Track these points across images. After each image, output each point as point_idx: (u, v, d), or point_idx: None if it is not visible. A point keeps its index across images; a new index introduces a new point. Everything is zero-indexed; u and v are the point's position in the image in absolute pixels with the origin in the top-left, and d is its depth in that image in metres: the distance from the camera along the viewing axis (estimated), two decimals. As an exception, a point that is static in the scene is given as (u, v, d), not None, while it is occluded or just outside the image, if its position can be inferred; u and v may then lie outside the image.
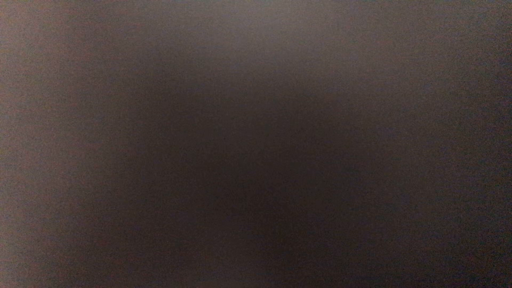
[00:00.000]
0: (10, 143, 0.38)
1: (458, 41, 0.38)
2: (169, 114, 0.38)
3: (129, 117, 0.38)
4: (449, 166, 0.38)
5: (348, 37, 0.38)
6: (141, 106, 0.38)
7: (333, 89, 0.38)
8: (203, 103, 0.38)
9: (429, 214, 0.38)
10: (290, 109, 0.37)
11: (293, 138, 0.38)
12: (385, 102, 0.38)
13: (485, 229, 0.38)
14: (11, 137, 0.38)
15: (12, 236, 0.38)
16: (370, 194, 0.38)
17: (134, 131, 0.38)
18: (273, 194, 0.38)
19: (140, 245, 0.38)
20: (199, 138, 0.38)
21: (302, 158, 0.38)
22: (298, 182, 0.38)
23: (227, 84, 0.38)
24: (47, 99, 0.38)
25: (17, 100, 0.38)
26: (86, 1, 0.38)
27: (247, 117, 0.38)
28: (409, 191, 0.38)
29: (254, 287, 0.38)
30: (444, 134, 0.38)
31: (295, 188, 0.38)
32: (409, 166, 0.38)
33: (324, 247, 0.38)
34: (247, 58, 0.38)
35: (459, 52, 0.38)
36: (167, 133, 0.38)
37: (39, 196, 0.38)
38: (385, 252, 0.38)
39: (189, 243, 0.38)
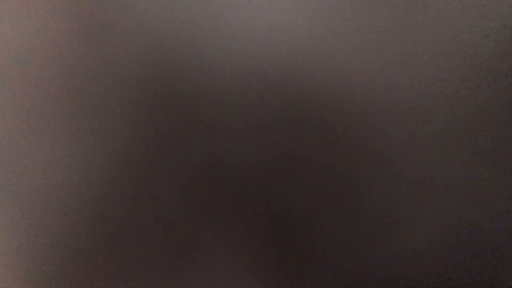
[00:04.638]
0: (9, 143, 0.38)
1: (460, 41, 0.38)
2: (169, 115, 0.38)
3: (129, 118, 0.38)
4: (450, 166, 0.38)
5: (349, 37, 0.38)
6: (141, 106, 0.38)
7: (334, 89, 0.37)
8: (204, 103, 0.38)
9: (430, 214, 0.38)
10: (290, 109, 0.37)
11: (293, 138, 0.38)
12: (386, 102, 0.38)
13: (485, 229, 0.38)
14: (10, 137, 0.38)
15: (12, 236, 0.38)
16: (371, 195, 0.38)
17: (134, 132, 0.38)
18: (273, 195, 0.38)
19: (140, 245, 0.38)
20: (199, 139, 0.38)
21: (302, 158, 0.38)
22: (299, 183, 0.38)
23: (227, 85, 0.38)
24: (47, 99, 0.38)
25: (16, 100, 0.38)
26: (86, 1, 0.38)
27: (248, 117, 0.38)
28: (410, 191, 0.38)
29: (254, 287, 0.38)
30: (445, 134, 0.38)
31: (295, 189, 0.38)
32: (410, 166, 0.38)
33: (325, 247, 0.38)
34: (247, 58, 0.38)
35: (461, 52, 0.38)
36: (167, 134, 0.38)
37: (39, 196, 0.38)
38: (385, 252, 0.38)
39: (189, 244, 0.38)
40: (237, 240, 0.38)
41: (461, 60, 0.38)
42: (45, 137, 0.38)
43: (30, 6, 0.38)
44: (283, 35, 0.38)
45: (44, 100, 0.38)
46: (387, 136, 0.38)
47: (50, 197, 0.38)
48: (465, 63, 0.38)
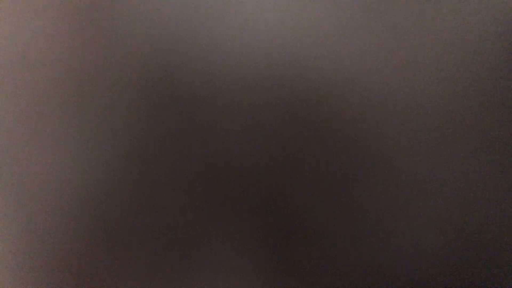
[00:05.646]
0: (9, 142, 0.38)
1: (460, 41, 0.38)
2: (170, 116, 0.38)
3: (129, 118, 0.38)
4: (451, 166, 0.38)
5: (351, 37, 0.38)
6: (142, 107, 0.38)
7: (335, 89, 0.38)
8: (205, 104, 0.38)
9: (430, 215, 0.38)
10: (291, 110, 0.38)
11: (294, 139, 0.38)
12: (387, 103, 0.38)
13: (485, 229, 0.38)
14: (10, 137, 0.38)
15: (12, 236, 0.38)
16: (372, 195, 0.38)
17: (135, 132, 0.38)
18: (274, 195, 0.38)
19: (140, 245, 0.38)
20: (200, 140, 0.38)
21: (302, 159, 0.38)
22: (299, 183, 0.38)
23: (228, 86, 0.38)
24: (47, 99, 0.38)
25: (16, 100, 0.38)
26: (87, 1, 0.38)
27: (249, 118, 0.38)
28: (411, 192, 0.38)
29: (254, 287, 0.38)
30: (445, 135, 0.38)
31: (296, 189, 0.38)
32: (410, 167, 0.38)
33: (325, 248, 0.38)
34: (249, 59, 0.38)
35: (461, 52, 0.38)
36: (168, 135, 0.38)
37: (39, 196, 0.38)
38: (385, 252, 0.38)
39: (189, 244, 0.38)
40: (238, 241, 0.38)
41: (461, 60, 0.38)
42: (45, 137, 0.38)
43: (31, 6, 0.38)
44: (284, 36, 0.38)
45: (44, 100, 0.38)
46: (388, 136, 0.38)
47: (50, 197, 0.38)
48: (465, 63, 0.38)
